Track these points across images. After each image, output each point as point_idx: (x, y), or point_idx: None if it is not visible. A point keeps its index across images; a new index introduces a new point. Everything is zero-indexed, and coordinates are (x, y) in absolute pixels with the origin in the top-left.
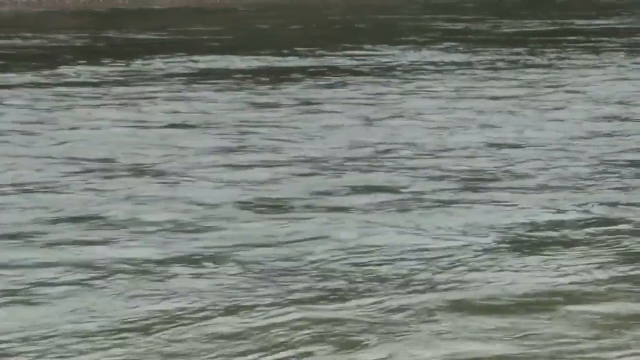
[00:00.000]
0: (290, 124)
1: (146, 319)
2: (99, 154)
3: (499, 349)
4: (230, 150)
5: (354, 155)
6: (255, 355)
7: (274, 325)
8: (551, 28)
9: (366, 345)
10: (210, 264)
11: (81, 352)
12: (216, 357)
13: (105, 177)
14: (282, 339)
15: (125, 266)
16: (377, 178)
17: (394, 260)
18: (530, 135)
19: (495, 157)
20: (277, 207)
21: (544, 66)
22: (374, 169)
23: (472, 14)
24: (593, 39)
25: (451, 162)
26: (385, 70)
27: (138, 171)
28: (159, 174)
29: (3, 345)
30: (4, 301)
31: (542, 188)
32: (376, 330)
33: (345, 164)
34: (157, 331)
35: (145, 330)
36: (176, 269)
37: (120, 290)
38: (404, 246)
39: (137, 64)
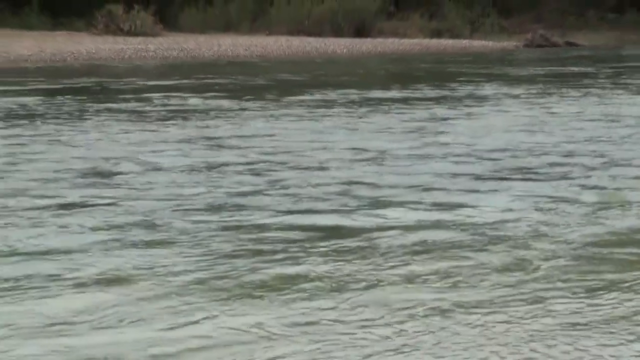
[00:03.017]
0: (438, 130)
1: None
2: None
3: None
4: (417, 147)
5: (492, 148)
6: None
7: None
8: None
9: None
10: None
11: None
12: None
13: (364, 160)
14: None
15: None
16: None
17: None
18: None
19: (582, 149)
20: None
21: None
22: (518, 156)
23: (479, 63)
24: (577, 77)
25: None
26: (468, 97)
27: (377, 157)
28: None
29: None
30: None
31: None
32: None
33: (494, 153)
34: None
35: None
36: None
37: None
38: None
39: (315, 96)
